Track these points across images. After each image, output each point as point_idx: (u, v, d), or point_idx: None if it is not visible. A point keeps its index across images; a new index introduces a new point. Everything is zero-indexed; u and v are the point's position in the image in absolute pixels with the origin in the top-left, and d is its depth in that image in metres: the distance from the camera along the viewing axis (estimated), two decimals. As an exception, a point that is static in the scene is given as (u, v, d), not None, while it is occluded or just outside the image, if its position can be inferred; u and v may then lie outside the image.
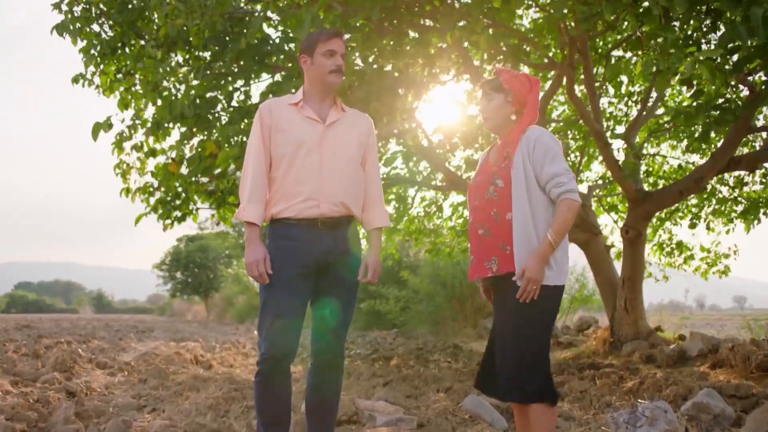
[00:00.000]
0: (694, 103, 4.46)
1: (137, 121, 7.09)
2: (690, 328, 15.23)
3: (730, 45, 3.96)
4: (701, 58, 3.29)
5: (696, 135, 9.51)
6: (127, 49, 6.47)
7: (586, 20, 3.98)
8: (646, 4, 3.80)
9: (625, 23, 5.34)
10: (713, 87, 4.72)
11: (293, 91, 5.09)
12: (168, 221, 7.68)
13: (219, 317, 36.81)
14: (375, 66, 5.26)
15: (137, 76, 6.89)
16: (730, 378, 6.04)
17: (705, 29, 4.15)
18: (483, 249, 2.80)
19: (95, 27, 6.68)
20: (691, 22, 4.12)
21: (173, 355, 8.25)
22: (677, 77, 5.90)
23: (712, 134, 6.11)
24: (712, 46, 4.66)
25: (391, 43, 5.40)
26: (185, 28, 4.73)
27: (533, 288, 2.65)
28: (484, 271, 2.80)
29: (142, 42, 6.60)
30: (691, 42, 4.03)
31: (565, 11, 3.94)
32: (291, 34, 5.94)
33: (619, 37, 8.16)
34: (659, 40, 3.58)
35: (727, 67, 4.17)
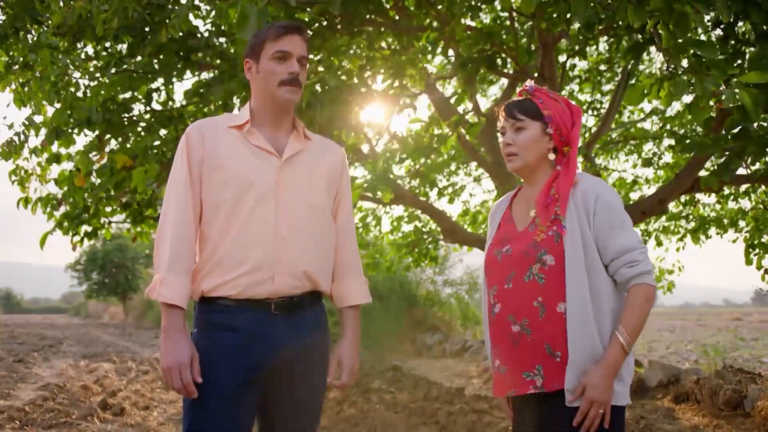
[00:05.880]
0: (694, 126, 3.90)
1: (38, 121, 5.98)
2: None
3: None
4: (745, 83, 2.65)
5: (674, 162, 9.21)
6: (22, 36, 5.36)
7: (589, 26, 3.33)
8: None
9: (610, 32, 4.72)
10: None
11: (226, 99, 4.19)
12: (77, 238, 6.65)
13: (137, 320, 34.94)
14: (323, 69, 4.44)
15: (37, 69, 5.80)
16: (698, 416, 5.78)
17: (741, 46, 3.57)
18: (521, 354, 1.93)
19: (-16, 9, 5.55)
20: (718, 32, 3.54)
21: (79, 391, 7.18)
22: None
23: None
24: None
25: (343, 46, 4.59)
26: (89, 14, 3.77)
27: (597, 412, 1.82)
28: (524, 386, 1.92)
29: (45, 28, 5.54)
30: (726, 60, 3.40)
31: (566, 14, 3.27)
32: (224, 28, 5.03)
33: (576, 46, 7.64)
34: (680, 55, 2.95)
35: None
